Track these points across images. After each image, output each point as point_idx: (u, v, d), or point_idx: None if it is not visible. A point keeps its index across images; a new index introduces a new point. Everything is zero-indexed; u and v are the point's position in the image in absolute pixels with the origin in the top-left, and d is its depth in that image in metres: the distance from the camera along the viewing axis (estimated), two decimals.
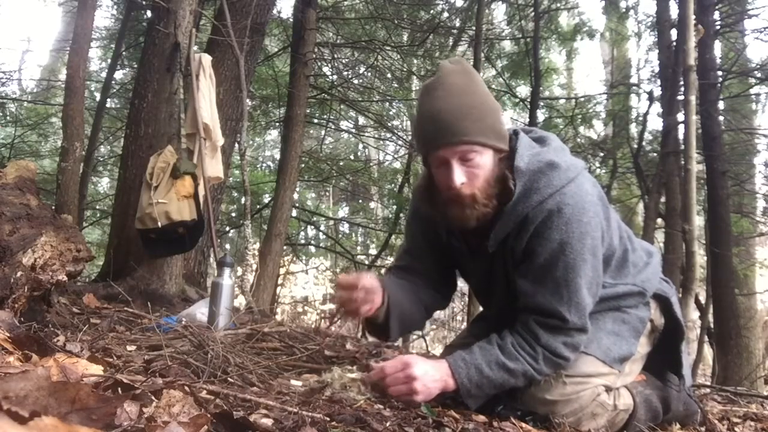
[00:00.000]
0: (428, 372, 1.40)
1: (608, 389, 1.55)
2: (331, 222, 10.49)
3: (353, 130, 9.45)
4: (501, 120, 1.45)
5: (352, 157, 11.54)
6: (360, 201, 11.84)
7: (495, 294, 1.66)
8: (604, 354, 1.53)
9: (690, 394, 1.74)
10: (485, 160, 1.42)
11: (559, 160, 1.46)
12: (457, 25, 7.48)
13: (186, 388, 1.05)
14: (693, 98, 3.05)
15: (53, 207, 2.79)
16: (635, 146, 7.02)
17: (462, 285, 1.92)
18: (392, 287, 1.60)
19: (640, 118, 7.48)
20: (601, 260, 1.49)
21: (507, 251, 1.51)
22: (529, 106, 6.72)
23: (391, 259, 8.50)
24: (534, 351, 1.44)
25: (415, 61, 7.57)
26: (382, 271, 8.93)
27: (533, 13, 6.68)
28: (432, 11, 7.24)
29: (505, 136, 1.46)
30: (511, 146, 1.49)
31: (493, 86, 8.16)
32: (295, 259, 10.34)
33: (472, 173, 1.41)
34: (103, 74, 8.24)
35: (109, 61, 7.41)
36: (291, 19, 6.75)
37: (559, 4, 7.47)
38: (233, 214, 9.14)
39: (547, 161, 1.45)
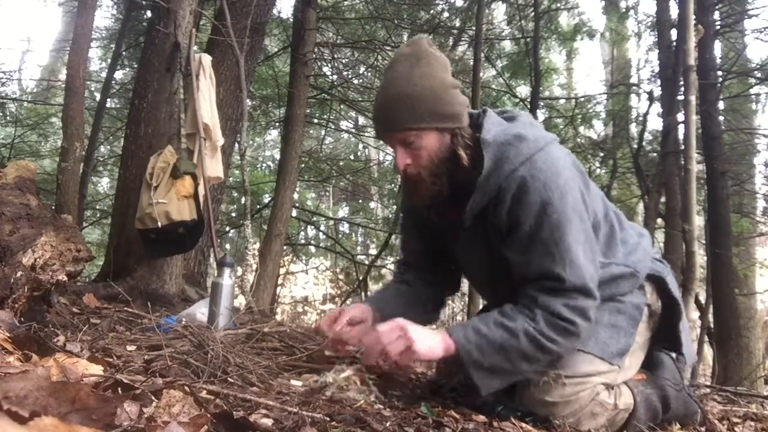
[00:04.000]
0: (425, 333, 1.43)
1: (609, 387, 1.54)
2: (331, 222, 10.49)
3: (353, 130, 9.45)
4: (448, 100, 1.46)
5: (352, 157, 11.55)
6: (360, 201, 11.83)
7: (482, 275, 1.69)
8: (601, 350, 1.52)
9: (690, 394, 1.74)
10: (428, 141, 1.47)
11: (527, 133, 1.48)
12: (457, 25, 7.48)
13: (186, 388, 1.05)
14: (693, 98, 3.04)
15: (53, 207, 2.79)
16: (635, 146, 7.02)
17: (461, 285, 1.94)
18: (382, 303, 1.69)
19: (640, 118, 7.48)
20: (590, 226, 1.48)
21: (489, 227, 1.51)
22: (529, 106, 6.71)
23: (391, 260, 8.53)
24: (531, 312, 1.41)
25: None
26: (383, 271, 8.98)
27: (533, 13, 6.67)
28: (432, 11, 7.23)
29: (453, 114, 1.47)
30: (479, 122, 1.52)
31: (493, 86, 8.15)
32: (295, 259, 10.34)
33: (414, 154, 1.49)
34: (103, 74, 8.24)
35: (109, 61, 7.41)
36: (291, 19, 6.75)
37: (559, 4, 7.46)
38: (233, 214, 9.14)
39: (514, 133, 1.47)
